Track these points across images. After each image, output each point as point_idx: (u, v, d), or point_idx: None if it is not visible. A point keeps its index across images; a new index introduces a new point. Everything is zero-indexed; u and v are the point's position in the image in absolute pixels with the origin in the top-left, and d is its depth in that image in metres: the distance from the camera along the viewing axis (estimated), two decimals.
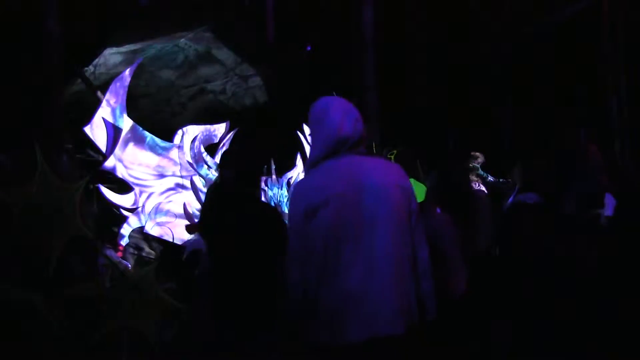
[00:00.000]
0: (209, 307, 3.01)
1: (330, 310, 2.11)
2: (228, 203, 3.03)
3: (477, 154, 6.58)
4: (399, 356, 2.12)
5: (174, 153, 5.06)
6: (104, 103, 4.79)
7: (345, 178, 2.18)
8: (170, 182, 5.11)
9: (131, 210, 4.98)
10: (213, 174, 5.12)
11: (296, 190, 2.35)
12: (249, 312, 2.86)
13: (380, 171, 2.23)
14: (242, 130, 5.58)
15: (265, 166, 5.99)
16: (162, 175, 5.09)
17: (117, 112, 4.84)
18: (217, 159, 5.19)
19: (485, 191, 5.50)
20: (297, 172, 5.85)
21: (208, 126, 5.42)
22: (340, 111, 2.29)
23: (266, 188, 5.75)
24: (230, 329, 2.87)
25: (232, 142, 5.45)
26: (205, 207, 3.35)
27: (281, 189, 5.77)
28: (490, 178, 6.32)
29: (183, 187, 5.09)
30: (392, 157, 5.51)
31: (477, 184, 5.46)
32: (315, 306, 2.14)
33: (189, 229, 4.41)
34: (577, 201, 4.00)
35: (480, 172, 6.25)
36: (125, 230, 4.92)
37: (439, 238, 3.23)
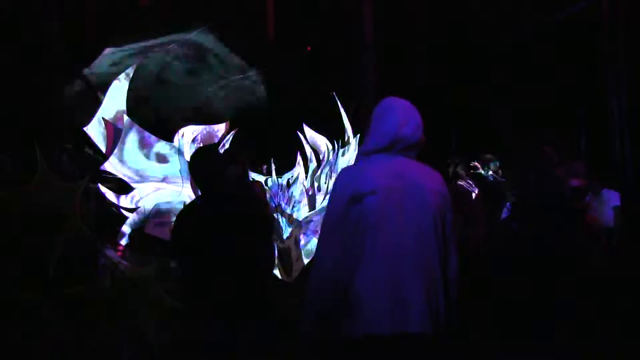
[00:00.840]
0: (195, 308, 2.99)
1: (365, 301, 2.13)
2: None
3: (488, 156, 6.54)
4: (426, 356, 2.14)
5: (174, 153, 5.05)
6: (104, 103, 4.78)
7: (394, 174, 2.26)
8: (170, 182, 5.11)
9: (131, 210, 4.98)
10: None
11: (344, 176, 2.37)
12: (238, 307, 2.85)
13: (426, 177, 2.32)
14: (242, 130, 5.58)
15: (265, 166, 5.99)
16: (162, 175, 5.09)
17: (117, 112, 4.84)
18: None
19: (476, 190, 5.50)
20: (297, 172, 5.84)
21: (208, 126, 5.43)
22: (405, 112, 2.37)
23: (266, 188, 5.75)
24: (219, 327, 2.85)
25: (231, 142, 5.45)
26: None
27: (281, 189, 5.77)
28: (490, 177, 6.31)
29: (183, 187, 5.09)
30: None
31: (470, 185, 5.46)
32: (348, 295, 2.16)
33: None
34: (536, 196, 4.04)
35: (481, 172, 6.24)
36: (125, 230, 4.92)
37: None
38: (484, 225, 4.79)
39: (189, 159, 3.59)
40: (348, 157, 5.73)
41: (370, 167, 2.31)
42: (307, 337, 2.25)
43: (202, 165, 3.14)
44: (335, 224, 2.24)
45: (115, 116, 4.81)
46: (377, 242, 2.16)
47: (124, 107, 4.84)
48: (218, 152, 3.44)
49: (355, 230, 2.18)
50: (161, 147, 5.02)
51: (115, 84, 4.82)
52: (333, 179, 5.63)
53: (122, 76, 4.87)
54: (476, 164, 6.27)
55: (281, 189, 5.67)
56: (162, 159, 5.03)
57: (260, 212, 3.09)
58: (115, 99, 4.82)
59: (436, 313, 2.17)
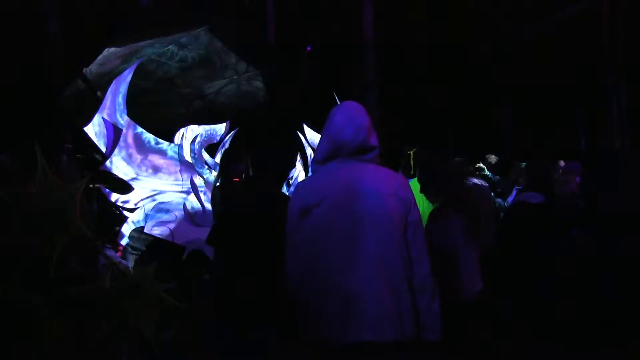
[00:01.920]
0: (214, 307, 3.02)
1: (320, 310, 2.13)
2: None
3: (493, 156, 6.56)
4: None
5: (174, 153, 5.06)
6: (104, 103, 4.78)
7: (341, 182, 2.20)
8: (170, 182, 5.11)
9: (131, 210, 4.98)
10: (213, 174, 5.12)
11: (295, 191, 2.37)
12: (256, 309, 2.87)
13: (379, 180, 2.23)
14: (242, 130, 5.58)
15: None
16: (162, 175, 5.09)
17: (117, 112, 4.84)
18: (217, 159, 5.18)
19: (486, 185, 5.50)
20: (297, 172, 5.84)
21: (208, 126, 5.42)
22: (345, 116, 2.30)
23: None
24: (232, 328, 2.88)
25: (233, 142, 5.45)
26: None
27: (281, 189, 5.77)
28: (495, 178, 6.32)
29: (183, 187, 5.09)
30: (411, 154, 5.48)
31: (481, 181, 5.47)
32: (307, 304, 2.16)
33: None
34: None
35: (486, 172, 6.24)
36: (125, 230, 4.92)
37: (450, 241, 3.23)
38: (492, 224, 4.80)
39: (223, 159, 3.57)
40: None
41: (318, 178, 2.28)
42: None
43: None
44: (291, 237, 2.25)
45: (115, 116, 4.81)
46: (327, 253, 2.13)
47: (123, 106, 4.83)
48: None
49: (307, 241, 2.17)
50: (161, 147, 5.02)
51: (115, 83, 4.82)
52: None
53: (122, 76, 4.87)
54: (481, 165, 6.29)
55: (281, 189, 5.67)
56: (162, 158, 5.03)
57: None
58: (115, 99, 4.81)
59: (399, 320, 2.10)
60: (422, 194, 3.71)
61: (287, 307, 2.26)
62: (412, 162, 5.34)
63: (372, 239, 2.13)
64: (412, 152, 5.41)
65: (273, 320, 2.88)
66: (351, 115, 2.31)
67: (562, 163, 5.27)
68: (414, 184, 3.58)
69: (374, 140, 2.30)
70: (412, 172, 5.21)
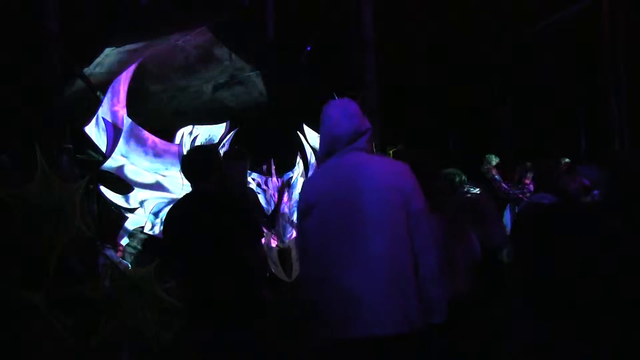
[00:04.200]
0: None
1: (329, 307, 2.14)
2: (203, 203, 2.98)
3: (494, 157, 6.55)
4: (394, 357, 2.12)
5: (174, 153, 5.05)
6: (104, 103, 4.78)
7: (339, 178, 2.22)
8: (170, 182, 5.11)
9: (131, 210, 4.98)
10: None
11: (301, 190, 2.42)
12: (227, 310, 2.82)
13: (378, 173, 2.23)
14: (242, 130, 5.58)
15: (265, 166, 5.99)
16: (162, 176, 5.09)
17: (117, 112, 4.84)
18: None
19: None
20: (298, 172, 5.84)
21: (208, 126, 5.42)
22: (337, 109, 2.35)
23: (266, 188, 5.75)
24: (207, 328, 2.82)
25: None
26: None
27: (281, 189, 5.76)
28: (498, 178, 6.31)
29: (183, 186, 5.08)
30: (391, 153, 5.51)
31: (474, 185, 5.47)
32: (317, 302, 2.18)
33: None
34: None
35: (495, 176, 6.24)
36: (125, 230, 4.92)
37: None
38: (498, 223, 4.80)
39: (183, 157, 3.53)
40: None
41: (317, 176, 2.36)
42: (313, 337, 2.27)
43: (193, 164, 3.08)
44: (299, 237, 2.31)
45: (114, 116, 4.81)
46: (329, 252, 2.15)
47: (124, 106, 4.83)
48: (214, 151, 3.39)
49: (311, 240, 2.22)
50: (161, 147, 5.02)
51: (114, 83, 4.82)
52: None
53: (122, 75, 4.87)
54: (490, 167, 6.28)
55: (281, 189, 5.67)
56: (162, 159, 5.03)
57: (244, 214, 3.01)
58: (115, 99, 4.81)
59: (406, 312, 2.11)
60: None
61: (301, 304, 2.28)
62: None
63: (375, 234, 2.14)
64: (392, 152, 5.44)
65: (244, 321, 2.84)
66: (343, 106, 2.37)
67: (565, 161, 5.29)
68: None
69: (366, 123, 2.35)
70: None
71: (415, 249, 2.18)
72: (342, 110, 2.34)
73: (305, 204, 2.24)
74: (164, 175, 5.10)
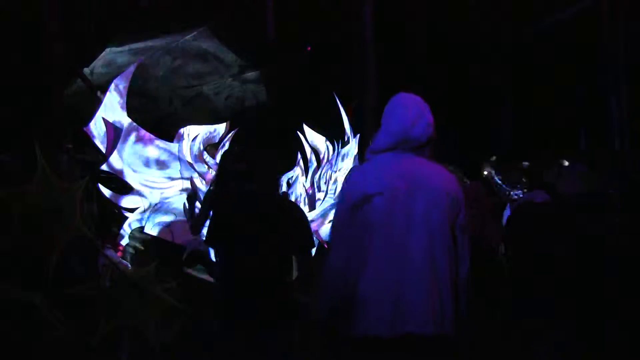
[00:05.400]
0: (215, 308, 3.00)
1: (367, 302, 2.13)
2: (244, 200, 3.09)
3: (494, 158, 6.52)
4: (426, 356, 2.13)
5: (174, 153, 5.05)
6: (104, 103, 4.77)
7: (402, 174, 2.21)
8: (170, 182, 5.11)
9: (131, 210, 4.97)
10: (212, 174, 5.11)
11: (352, 177, 2.38)
12: (264, 311, 2.87)
13: (437, 177, 2.26)
14: (242, 130, 5.57)
15: None
16: (162, 175, 5.09)
17: (117, 112, 4.84)
18: (218, 159, 5.18)
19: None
20: (297, 172, 5.84)
21: (208, 126, 5.42)
22: (416, 111, 2.32)
23: None
24: (241, 329, 2.87)
25: (232, 141, 5.45)
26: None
27: (281, 189, 5.76)
28: (498, 179, 6.29)
29: (183, 187, 5.08)
30: None
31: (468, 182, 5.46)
32: (353, 296, 2.16)
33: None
34: None
35: (496, 179, 6.21)
36: (125, 230, 4.91)
37: None
38: (496, 224, 4.80)
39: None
40: (348, 157, 5.72)
41: (377, 167, 2.27)
42: (319, 326, 2.25)
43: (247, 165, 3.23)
44: (343, 225, 2.23)
45: (115, 116, 4.81)
46: (381, 244, 2.15)
47: (124, 107, 4.83)
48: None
49: (362, 231, 2.17)
50: (161, 147, 5.01)
51: (115, 83, 4.81)
52: (333, 179, 5.63)
53: (122, 75, 4.87)
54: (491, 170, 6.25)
55: (281, 189, 5.67)
56: (162, 159, 5.02)
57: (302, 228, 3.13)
58: (115, 99, 4.81)
59: (441, 315, 2.13)
60: None
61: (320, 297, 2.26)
62: None
63: (425, 234, 2.15)
64: None
65: (278, 321, 2.87)
66: (422, 110, 2.32)
67: (565, 163, 5.27)
68: None
69: (435, 136, 2.33)
70: None
71: (457, 257, 2.23)
72: (419, 114, 2.30)
73: (363, 193, 2.17)
74: (163, 175, 5.10)
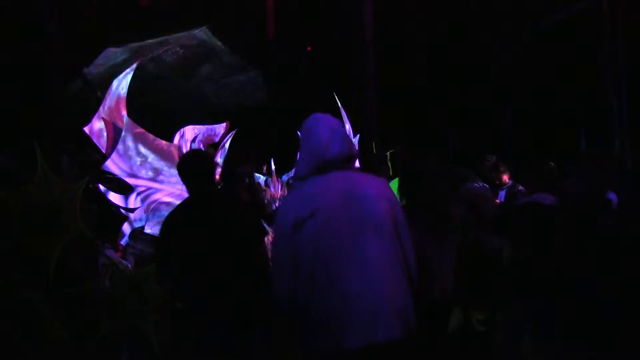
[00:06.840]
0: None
1: (327, 319, 2.12)
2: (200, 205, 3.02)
3: (492, 157, 6.49)
4: None
5: (174, 153, 5.05)
6: (104, 103, 4.78)
7: (332, 190, 2.22)
8: (170, 182, 5.11)
9: (131, 210, 4.97)
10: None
11: (284, 204, 2.39)
12: (232, 312, 2.84)
13: (367, 184, 2.27)
14: (242, 130, 5.58)
15: (265, 166, 5.99)
16: (162, 175, 5.09)
17: (117, 112, 4.84)
18: (217, 159, 5.18)
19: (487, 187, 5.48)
20: None
21: (208, 126, 5.42)
22: (327, 130, 2.30)
23: (266, 188, 5.75)
24: (215, 330, 2.85)
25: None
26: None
27: (281, 190, 5.77)
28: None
29: (183, 187, 5.08)
30: (389, 155, 5.51)
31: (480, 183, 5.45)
32: (308, 315, 2.15)
33: None
34: None
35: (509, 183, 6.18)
36: (125, 230, 4.91)
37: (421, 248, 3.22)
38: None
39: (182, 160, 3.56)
40: None
41: (306, 190, 2.26)
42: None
43: (191, 166, 3.13)
44: (283, 252, 2.22)
45: (115, 116, 4.81)
46: (332, 261, 2.14)
47: (124, 107, 4.83)
48: (208, 154, 3.45)
49: (304, 254, 2.16)
50: (161, 146, 5.01)
51: (115, 83, 4.82)
52: None
53: (122, 76, 4.87)
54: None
55: (281, 189, 5.67)
56: (162, 159, 5.03)
57: (247, 216, 3.03)
58: (115, 99, 4.81)
59: (405, 314, 2.15)
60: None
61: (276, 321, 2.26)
62: (389, 163, 5.37)
63: (373, 242, 2.16)
64: (389, 153, 5.44)
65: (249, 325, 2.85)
66: (332, 128, 2.32)
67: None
68: (394, 185, 3.54)
69: (354, 148, 2.36)
70: (390, 173, 5.23)
71: (404, 253, 2.26)
72: (332, 132, 2.29)
73: (295, 218, 2.18)
74: (163, 175, 5.10)
